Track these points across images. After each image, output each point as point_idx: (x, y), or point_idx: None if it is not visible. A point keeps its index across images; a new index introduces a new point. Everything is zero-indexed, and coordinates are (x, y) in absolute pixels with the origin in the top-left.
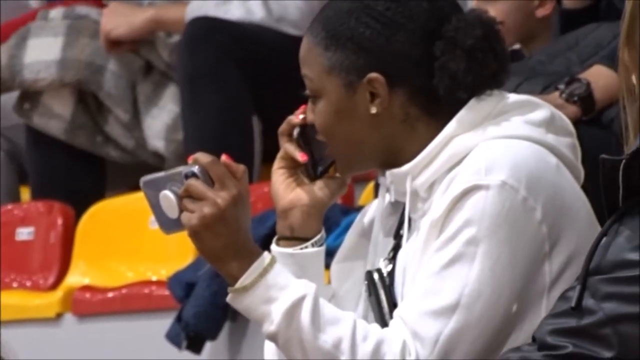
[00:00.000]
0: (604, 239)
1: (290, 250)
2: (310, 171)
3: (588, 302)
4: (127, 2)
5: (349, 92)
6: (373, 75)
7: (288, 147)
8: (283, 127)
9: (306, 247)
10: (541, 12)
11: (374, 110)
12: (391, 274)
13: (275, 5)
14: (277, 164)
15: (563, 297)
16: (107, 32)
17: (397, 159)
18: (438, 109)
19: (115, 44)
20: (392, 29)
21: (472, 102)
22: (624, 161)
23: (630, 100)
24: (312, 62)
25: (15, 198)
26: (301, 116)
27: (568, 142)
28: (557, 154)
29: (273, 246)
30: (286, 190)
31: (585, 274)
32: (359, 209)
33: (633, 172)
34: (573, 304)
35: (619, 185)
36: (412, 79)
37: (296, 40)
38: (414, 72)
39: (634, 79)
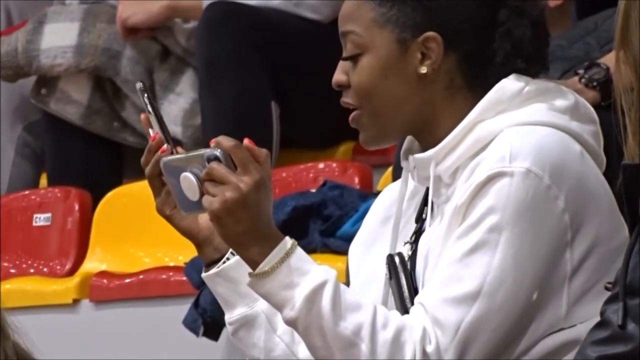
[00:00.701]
0: (633, 254)
1: (217, 269)
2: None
3: (630, 326)
4: None
5: (401, 49)
6: (431, 34)
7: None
8: (150, 170)
9: (228, 258)
10: (553, 2)
11: (423, 70)
12: (412, 257)
13: None
14: (167, 209)
15: (603, 322)
16: (124, 20)
17: (428, 131)
18: (479, 82)
19: (132, 32)
20: None
21: (498, 87)
22: None
23: (628, 100)
24: (361, 17)
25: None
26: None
27: (592, 130)
28: (581, 141)
29: (204, 274)
30: (193, 223)
31: (624, 294)
32: (377, 194)
33: None
34: (619, 324)
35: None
36: (467, 44)
37: (315, 25)
38: (471, 37)
39: (630, 79)
